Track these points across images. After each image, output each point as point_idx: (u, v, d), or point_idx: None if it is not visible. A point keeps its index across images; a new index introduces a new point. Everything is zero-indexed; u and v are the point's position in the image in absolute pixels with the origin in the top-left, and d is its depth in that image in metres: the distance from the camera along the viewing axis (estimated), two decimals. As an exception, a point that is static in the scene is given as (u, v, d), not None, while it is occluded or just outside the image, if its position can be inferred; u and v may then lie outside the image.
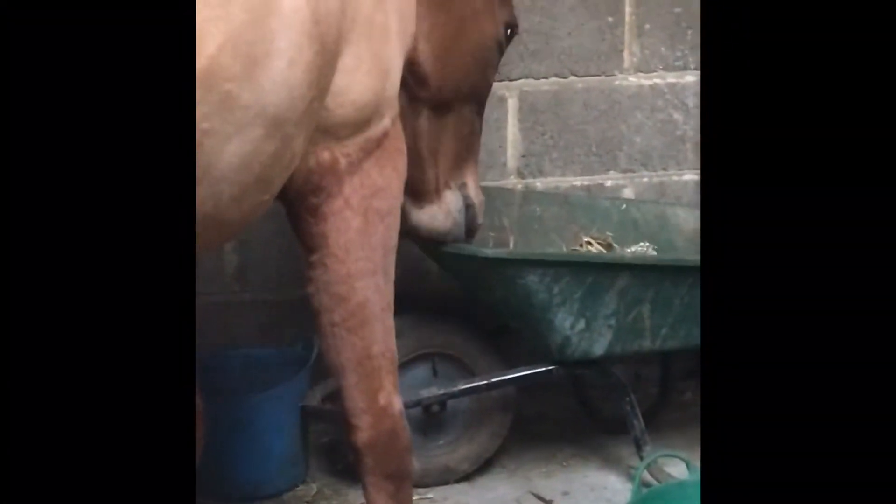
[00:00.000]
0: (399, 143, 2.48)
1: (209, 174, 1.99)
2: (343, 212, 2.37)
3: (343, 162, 2.35)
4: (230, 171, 2.03)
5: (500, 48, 3.05)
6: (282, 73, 2.04)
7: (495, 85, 3.15)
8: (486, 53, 2.97)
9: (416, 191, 2.97)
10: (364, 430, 2.48)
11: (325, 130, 2.30)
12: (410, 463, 2.58)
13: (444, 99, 2.89)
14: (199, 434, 2.67)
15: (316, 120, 2.24)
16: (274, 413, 3.38)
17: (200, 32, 1.85)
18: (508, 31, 3.05)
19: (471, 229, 3.13)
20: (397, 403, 2.51)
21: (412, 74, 2.77)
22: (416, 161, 2.90)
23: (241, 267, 3.90)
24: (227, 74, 1.93)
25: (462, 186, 3.06)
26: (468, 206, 3.08)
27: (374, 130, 2.38)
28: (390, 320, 2.48)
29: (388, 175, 2.42)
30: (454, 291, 3.68)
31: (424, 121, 2.89)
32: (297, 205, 2.40)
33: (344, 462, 3.41)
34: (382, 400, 2.48)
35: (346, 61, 2.27)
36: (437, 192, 3.00)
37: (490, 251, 3.27)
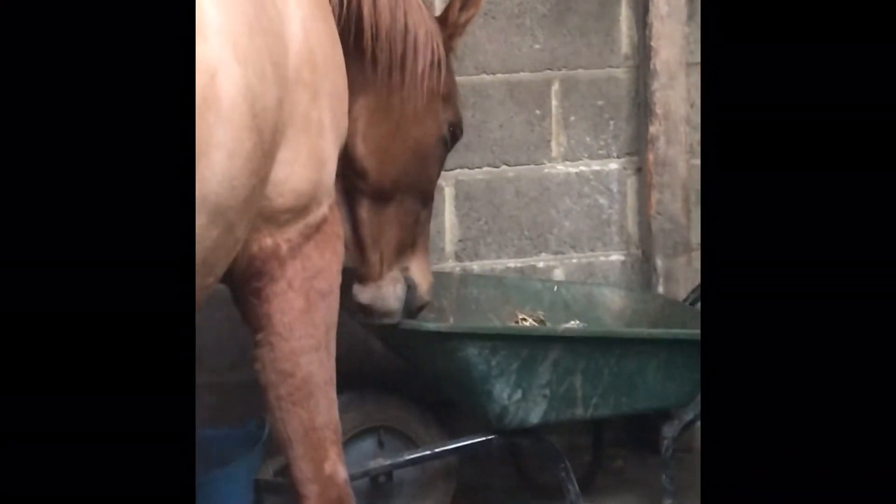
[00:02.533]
0: (336, 228, 2.54)
1: None
2: (286, 293, 2.42)
3: (284, 247, 2.40)
4: None
5: (445, 144, 3.11)
6: (222, 163, 2.08)
7: (433, 175, 3.23)
8: (427, 150, 3.03)
9: (361, 272, 3.04)
10: (312, 499, 2.50)
11: (267, 218, 2.35)
12: (356, 529, 2.61)
13: (383, 191, 2.95)
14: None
15: (257, 208, 2.29)
16: (229, 489, 3.38)
17: None
18: (452, 129, 3.11)
19: (411, 309, 3.17)
20: (342, 472, 2.54)
21: (352, 168, 2.84)
22: (358, 246, 2.99)
23: (195, 351, 3.91)
24: None
25: (405, 270, 3.10)
26: (409, 287, 3.13)
27: (314, 217, 2.44)
28: (333, 393, 2.52)
29: (328, 257, 2.48)
30: (398, 367, 3.72)
31: (365, 211, 2.95)
32: (241, 287, 2.44)
33: (297, 534, 3.42)
34: (328, 469, 2.50)
35: (285, 154, 2.33)
36: (380, 275, 3.05)
37: (432, 325, 3.33)
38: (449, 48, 3.08)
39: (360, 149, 2.85)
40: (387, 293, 3.07)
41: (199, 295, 2.26)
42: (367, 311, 3.10)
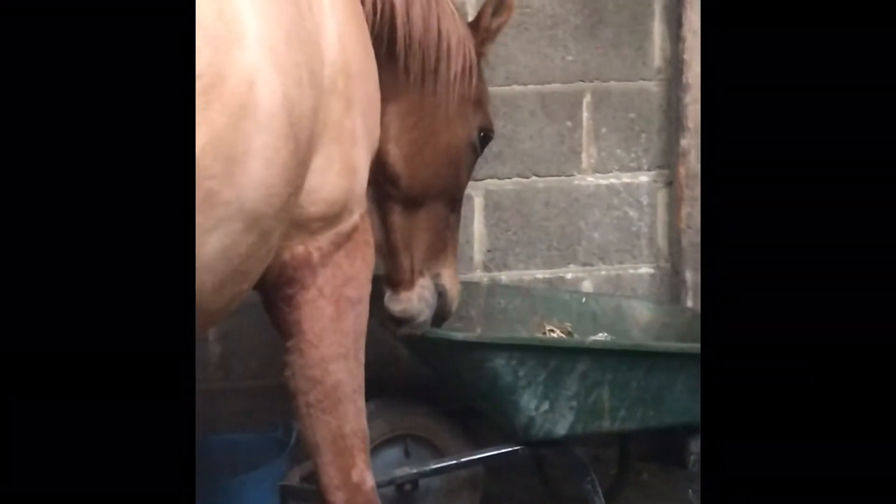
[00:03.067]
0: (367, 236, 2.54)
1: None
2: (316, 301, 2.42)
3: (316, 255, 2.41)
4: (211, 262, 2.07)
5: (475, 150, 3.10)
6: (259, 171, 2.09)
7: (462, 184, 3.23)
8: (458, 155, 3.03)
9: (392, 279, 3.05)
10: (339, 506, 2.52)
11: (300, 226, 2.36)
12: (383, 537, 2.61)
13: (414, 196, 2.95)
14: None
15: (291, 216, 2.30)
16: (255, 494, 3.39)
17: None
18: (482, 134, 3.11)
19: (442, 316, 3.18)
20: (370, 480, 2.54)
21: (383, 174, 2.85)
22: (390, 252, 3.00)
23: (223, 356, 3.94)
24: (208, 173, 1.97)
25: (436, 276, 3.10)
26: (440, 294, 3.13)
27: (345, 225, 2.44)
28: (361, 401, 2.52)
29: (358, 266, 2.48)
30: (425, 376, 3.72)
31: (397, 216, 2.96)
32: (272, 294, 2.45)
33: (321, 540, 3.43)
34: (356, 476, 2.51)
35: (319, 162, 2.33)
36: (412, 281, 3.05)
37: (460, 335, 3.31)
38: (480, 54, 3.09)
39: (392, 154, 2.86)
40: (418, 302, 3.07)
41: (233, 301, 2.27)
42: (398, 321, 3.10)
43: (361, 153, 2.48)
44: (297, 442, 3.09)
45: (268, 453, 3.53)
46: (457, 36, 2.89)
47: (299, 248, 2.40)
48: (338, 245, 2.43)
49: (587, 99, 4.14)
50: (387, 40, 2.74)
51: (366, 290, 2.52)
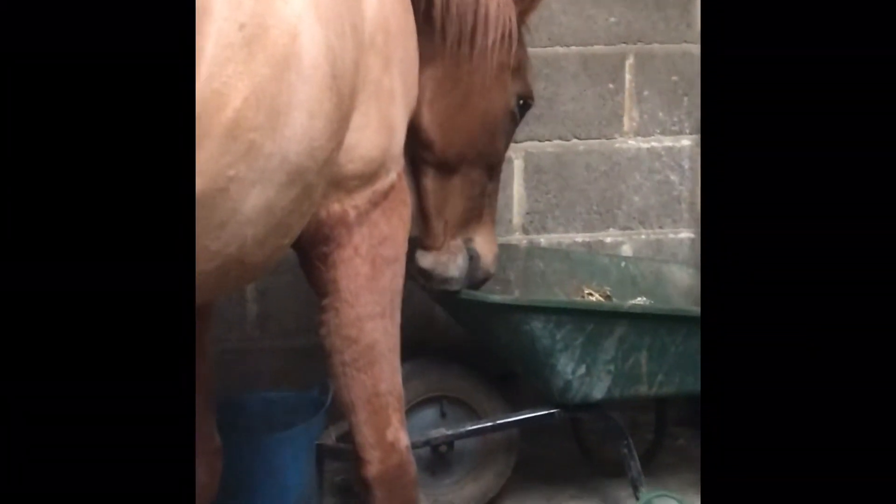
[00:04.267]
0: (404, 196, 2.52)
1: (235, 218, 2.02)
2: (352, 259, 2.41)
3: (352, 213, 2.40)
4: (254, 215, 2.06)
5: (513, 117, 3.07)
6: (303, 124, 2.08)
7: (502, 147, 3.20)
8: (494, 122, 2.99)
9: (424, 241, 3.04)
10: (373, 465, 2.51)
11: (337, 184, 2.35)
12: (417, 496, 2.60)
13: (448, 162, 2.92)
14: (217, 469, 2.71)
15: (330, 173, 2.29)
16: (291, 452, 3.40)
17: (227, 88, 1.90)
18: (522, 101, 3.07)
19: (473, 279, 3.15)
20: (404, 439, 2.54)
21: (417, 138, 2.82)
22: (423, 216, 2.98)
23: (261, 315, 3.95)
24: (251, 125, 1.96)
25: (468, 241, 3.08)
26: (472, 258, 3.11)
27: (381, 184, 2.43)
28: (397, 361, 2.51)
29: (395, 225, 2.47)
30: (462, 338, 3.72)
31: (430, 181, 2.93)
32: (309, 253, 2.44)
33: (356, 500, 3.42)
34: (390, 436, 2.51)
35: (357, 119, 2.32)
36: (444, 244, 3.03)
37: (498, 297, 3.29)
38: (522, 22, 3.03)
39: (427, 119, 2.83)
40: (448, 260, 3.05)
41: (274, 256, 2.26)
42: (426, 275, 3.08)
43: (399, 111, 2.46)
44: (333, 401, 3.09)
45: (304, 412, 3.54)
46: (496, 2, 2.85)
47: (335, 207, 2.38)
48: (374, 204, 2.42)
49: (630, 61, 4.09)
50: (424, 2, 2.70)
51: (402, 249, 2.50)
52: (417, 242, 3.04)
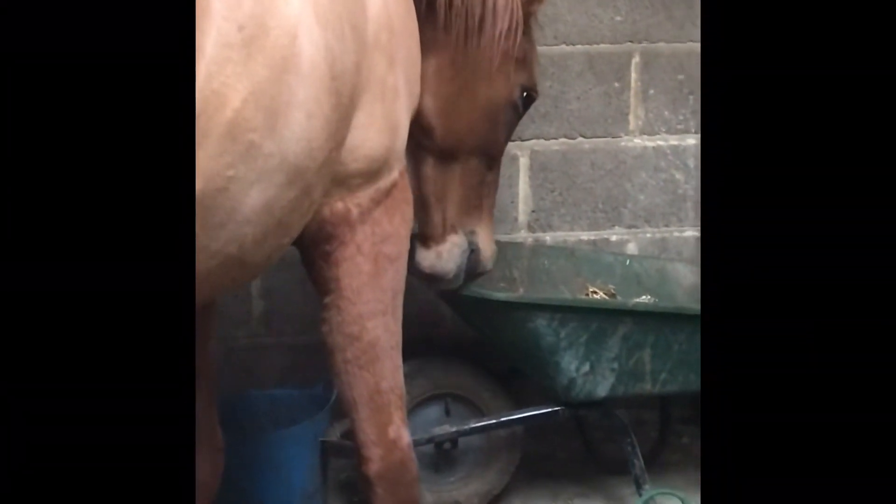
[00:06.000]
0: (406, 194, 2.52)
1: (234, 217, 2.02)
2: (355, 258, 2.41)
3: (355, 212, 2.39)
4: (253, 215, 2.06)
5: (516, 109, 3.05)
6: (301, 124, 2.07)
7: (508, 144, 3.20)
8: (496, 112, 2.97)
9: (424, 232, 3.03)
10: (375, 462, 2.51)
11: (340, 182, 2.34)
12: (418, 493, 2.60)
13: (448, 149, 2.90)
14: (219, 466, 2.71)
15: (332, 172, 2.29)
16: (295, 449, 3.40)
17: (226, 88, 1.90)
18: (525, 93, 3.05)
19: (471, 273, 3.14)
20: (406, 437, 2.53)
21: (418, 125, 2.81)
22: (423, 204, 2.97)
23: (266, 312, 3.95)
24: (250, 125, 1.96)
25: (471, 234, 3.07)
26: (472, 251, 3.09)
27: (384, 182, 2.43)
28: (398, 358, 2.51)
29: (397, 223, 2.46)
30: (466, 335, 3.72)
31: (430, 168, 2.92)
32: (311, 251, 2.44)
33: (359, 497, 3.44)
34: (392, 433, 2.50)
35: (361, 119, 2.32)
36: (443, 236, 3.02)
37: (502, 295, 3.30)
38: (529, 13, 3.02)
39: (428, 106, 2.82)
40: (447, 259, 3.04)
41: (274, 255, 2.26)
42: (427, 277, 3.08)
43: (403, 110, 2.46)
44: (336, 398, 3.09)
45: (308, 409, 3.54)
46: None
47: (339, 205, 2.38)
48: (377, 202, 2.42)
49: (636, 60, 4.08)
50: None
51: (404, 247, 2.50)
52: (418, 239, 3.04)
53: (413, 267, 3.00)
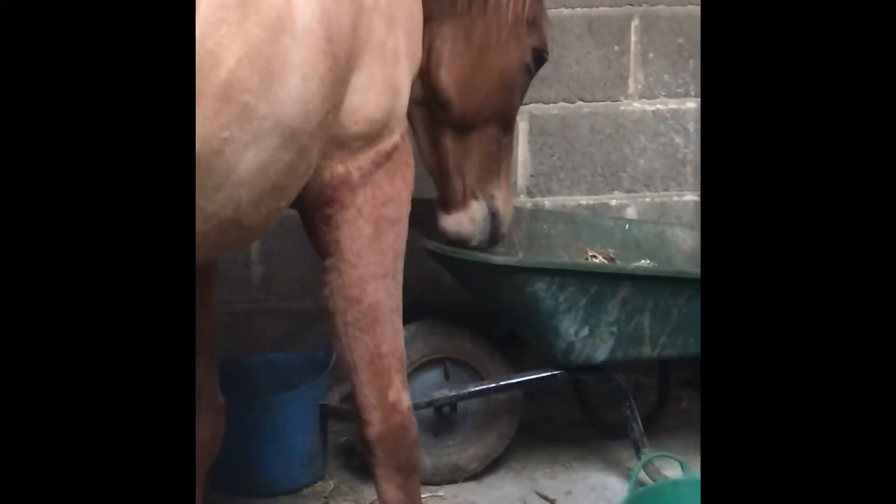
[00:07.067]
0: (407, 157, 2.51)
1: (230, 179, 2.01)
2: (355, 220, 2.40)
3: (356, 174, 2.38)
4: (249, 178, 2.05)
5: (528, 71, 3.06)
6: (296, 86, 2.06)
7: (507, 109, 3.19)
8: (511, 78, 2.99)
9: (445, 199, 3.09)
10: (375, 425, 2.51)
11: (340, 145, 2.33)
12: (418, 456, 2.60)
13: (467, 121, 2.94)
14: (219, 428, 2.72)
15: (330, 134, 2.27)
16: (295, 413, 3.42)
17: (220, 48, 1.89)
18: (537, 54, 3.06)
19: (494, 237, 3.20)
20: (406, 400, 2.53)
21: (435, 99, 2.82)
22: (442, 175, 3.03)
23: (266, 277, 3.95)
24: (244, 87, 1.95)
25: (490, 198, 3.12)
26: (493, 216, 3.15)
27: (385, 145, 2.41)
28: (399, 322, 2.50)
29: (398, 185, 2.45)
30: (466, 300, 3.71)
31: (449, 140, 2.97)
32: (312, 214, 2.42)
33: (359, 460, 3.45)
34: (392, 396, 2.50)
35: (361, 81, 2.30)
36: (464, 202, 3.09)
37: (500, 258, 3.29)
38: None
39: (444, 80, 2.85)
40: (470, 224, 3.12)
41: (270, 218, 2.25)
42: (450, 236, 3.16)
43: (404, 73, 2.44)
44: (337, 363, 3.09)
45: (308, 373, 3.55)
46: None
47: (339, 168, 2.37)
48: (378, 165, 2.41)
49: (635, 23, 4.06)
50: None
51: (405, 210, 2.49)
52: (437, 202, 3.06)
53: (438, 232, 3.10)
